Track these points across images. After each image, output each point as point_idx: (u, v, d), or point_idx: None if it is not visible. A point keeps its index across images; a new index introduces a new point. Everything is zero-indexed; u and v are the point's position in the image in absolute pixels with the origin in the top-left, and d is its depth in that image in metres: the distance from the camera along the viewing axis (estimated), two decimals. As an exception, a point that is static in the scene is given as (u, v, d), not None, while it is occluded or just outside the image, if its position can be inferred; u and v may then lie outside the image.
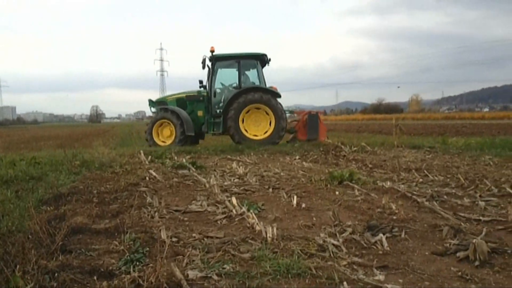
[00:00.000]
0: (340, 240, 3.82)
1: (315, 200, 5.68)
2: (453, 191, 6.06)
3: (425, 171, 7.68)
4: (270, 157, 11.16)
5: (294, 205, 5.25)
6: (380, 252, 3.56)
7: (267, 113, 14.36)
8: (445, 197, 5.63)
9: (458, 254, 3.43)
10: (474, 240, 3.41)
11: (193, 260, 3.30)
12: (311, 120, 14.98)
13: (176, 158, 10.09)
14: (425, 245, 3.74)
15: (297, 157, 10.91)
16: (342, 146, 11.67)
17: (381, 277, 3.00)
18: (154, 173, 7.39)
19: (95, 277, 3.03)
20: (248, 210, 4.74)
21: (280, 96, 14.56)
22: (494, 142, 12.90)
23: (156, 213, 4.81)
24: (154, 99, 15.67)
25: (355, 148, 11.64)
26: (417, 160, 9.45)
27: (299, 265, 3.10)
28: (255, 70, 15.08)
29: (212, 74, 14.63)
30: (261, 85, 14.72)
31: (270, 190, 6.37)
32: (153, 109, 15.44)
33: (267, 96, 14.29)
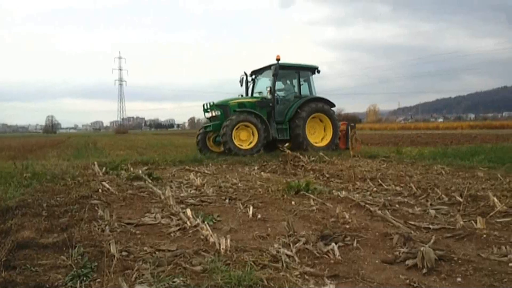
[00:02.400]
0: (294, 250, 3.82)
1: (271, 210, 5.70)
2: (405, 199, 6.21)
3: (380, 180, 7.84)
4: (229, 168, 11.13)
5: (250, 216, 5.24)
6: (332, 261, 3.59)
7: (321, 121, 15.22)
8: (397, 205, 5.76)
9: (407, 262, 3.50)
10: (422, 248, 3.49)
11: (143, 274, 3.22)
12: (352, 130, 15.64)
13: (132, 169, 9.89)
14: (376, 254, 3.80)
15: (256, 168, 10.93)
16: (301, 157, 11.76)
17: (332, 287, 3.02)
18: (107, 185, 7.21)
19: (39, 293, 2.91)
20: (203, 222, 4.68)
21: (334, 106, 15.50)
22: (446, 151, 13.36)
23: (107, 227, 4.67)
24: (211, 102, 14.90)
25: (313, 158, 11.76)
26: (373, 170, 9.64)
27: (251, 276, 3.07)
28: (303, 80, 15.57)
29: (275, 81, 14.79)
30: (313, 95, 15.42)
31: (227, 201, 6.34)
32: (210, 114, 14.79)
33: (327, 106, 15.20)
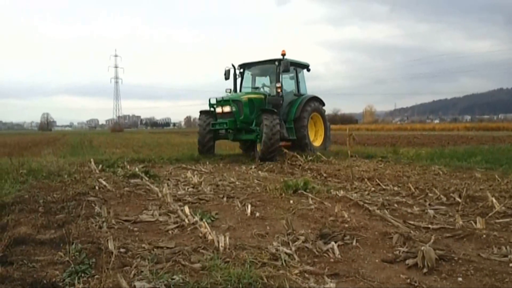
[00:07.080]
0: (293, 248, 3.80)
1: (269, 209, 5.67)
2: (404, 199, 6.20)
3: (377, 180, 7.83)
4: (226, 166, 11.11)
5: (248, 214, 5.22)
6: (332, 260, 3.57)
7: (313, 121, 14.76)
8: (395, 205, 5.74)
9: (407, 261, 3.48)
10: (422, 248, 3.47)
11: (141, 271, 3.19)
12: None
13: (128, 167, 9.85)
14: (376, 253, 3.78)
15: (253, 167, 10.91)
16: (298, 156, 11.75)
17: (332, 285, 2.99)
18: (104, 182, 7.18)
19: (36, 289, 2.88)
20: (201, 220, 4.66)
21: (325, 105, 15.14)
22: (443, 152, 13.36)
23: (105, 223, 4.64)
24: (222, 97, 13.39)
25: (310, 158, 11.75)
26: (370, 170, 9.64)
27: (250, 274, 3.04)
28: (294, 76, 14.72)
29: (279, 78, 13.74)
30: (305, 93, 14.78)
31: (225, 199, 6.31)
32: (220, 109, 13.05)
33: (321, 106, 14.87)
